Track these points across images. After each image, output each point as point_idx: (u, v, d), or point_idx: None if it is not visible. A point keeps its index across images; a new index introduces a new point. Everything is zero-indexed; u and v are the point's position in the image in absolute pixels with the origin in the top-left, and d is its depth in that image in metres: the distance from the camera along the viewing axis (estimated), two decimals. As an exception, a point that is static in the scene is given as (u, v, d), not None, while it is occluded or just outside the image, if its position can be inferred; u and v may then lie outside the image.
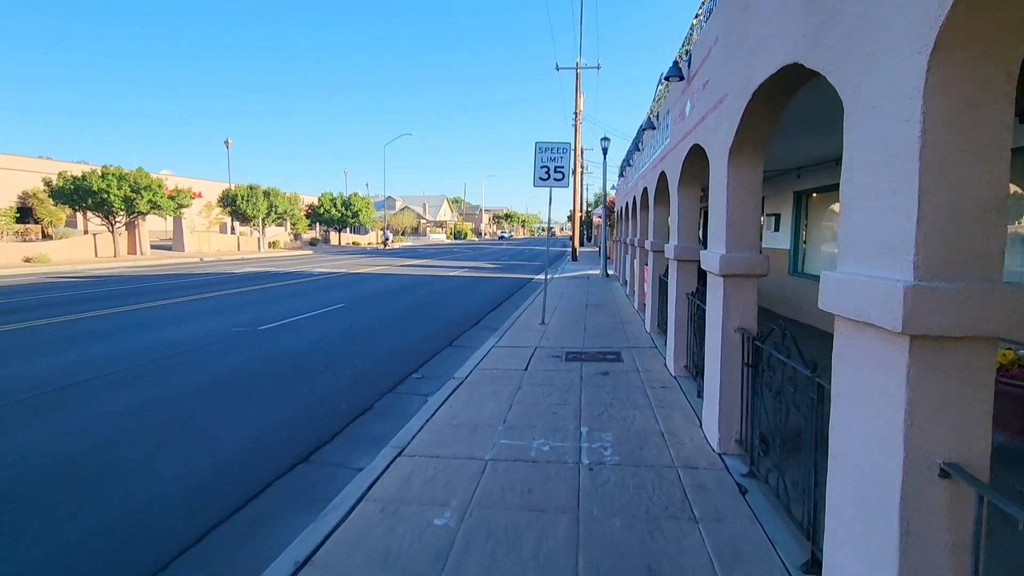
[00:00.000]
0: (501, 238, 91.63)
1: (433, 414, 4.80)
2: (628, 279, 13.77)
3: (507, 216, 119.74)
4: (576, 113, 26.60)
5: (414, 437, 4.28)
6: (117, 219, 28.47)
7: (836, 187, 8.38)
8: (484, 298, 14.20)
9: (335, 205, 48.01)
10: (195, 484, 3.79)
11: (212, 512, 3.42)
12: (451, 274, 21.76)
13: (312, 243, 49.34)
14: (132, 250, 30.79)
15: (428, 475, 3.60)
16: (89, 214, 28.68)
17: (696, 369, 5.35)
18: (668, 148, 6.75)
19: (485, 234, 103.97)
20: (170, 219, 33.68)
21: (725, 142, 3.79)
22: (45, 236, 29.03)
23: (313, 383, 6.22)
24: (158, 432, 4.71)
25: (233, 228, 42.23)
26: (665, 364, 6.49)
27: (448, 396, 5.31)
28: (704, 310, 4.82)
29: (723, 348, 3.85)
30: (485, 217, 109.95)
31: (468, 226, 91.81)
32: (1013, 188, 4.96)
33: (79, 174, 27.11)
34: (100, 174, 27.09)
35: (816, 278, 9.12)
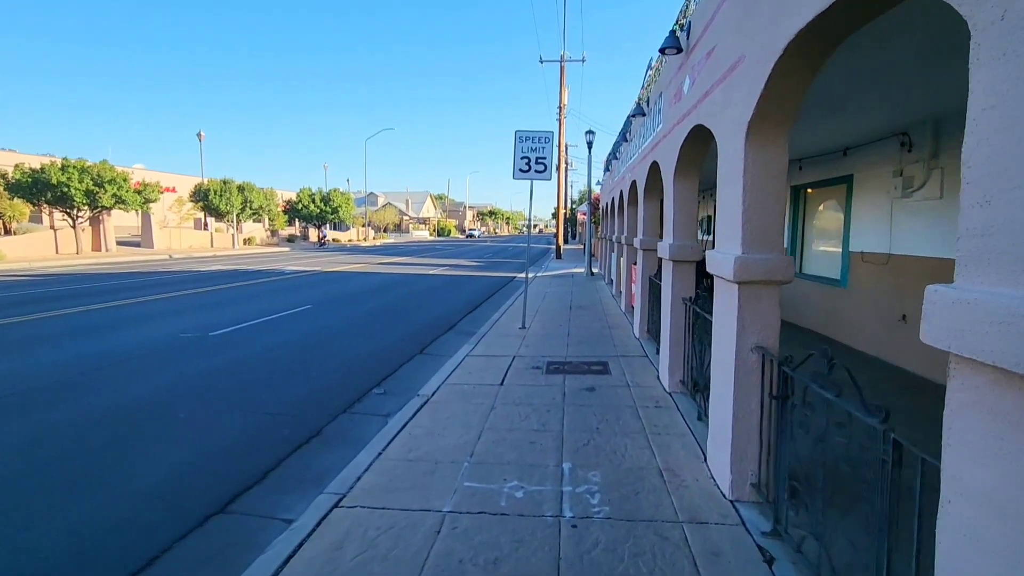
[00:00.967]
0: (469, 236, 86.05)
1: (387, 445, 4.01)
2: (614, 278, 13.04)
3: (491, 213, 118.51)
4: (560, 107, 25.83)
5: (359, 478, 3.50)
6: (79, 214, 27.06)
7: (841, 181, 7.73)
8: (462, 299, 13.38)
9: (314, 201, 46.56)
10: (64, 554, 2.94)
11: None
12: (430, 272, 20.87)
13: (290, 240, 47.90)
14: (97, 247, 29.31)
15: (368, 538, 2.82)
16: (53, 209, 27.18)
17: (695, 385, 4.63)
18: (661, 134, 6.02)
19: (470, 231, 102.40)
20: (140, 214, 32.24)
21: (740, 117, 3.06)
22: (7, 232, 27.43)
23: (256, 402, 5.39)
24: (42, 474, 3.82)
25: (207, 224, 40.73)
26: (658, 377, 5.77)
27: (408, 420, 4.52)
28: (705, 319, 4.11)
29: (737, 371, 3.12)
30: (469, 214, 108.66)
31: (452, 223, 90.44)
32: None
33: (38, 166, 25.66)
34: (60, 167, 25.65)
35: (816, 279, 8.47)
